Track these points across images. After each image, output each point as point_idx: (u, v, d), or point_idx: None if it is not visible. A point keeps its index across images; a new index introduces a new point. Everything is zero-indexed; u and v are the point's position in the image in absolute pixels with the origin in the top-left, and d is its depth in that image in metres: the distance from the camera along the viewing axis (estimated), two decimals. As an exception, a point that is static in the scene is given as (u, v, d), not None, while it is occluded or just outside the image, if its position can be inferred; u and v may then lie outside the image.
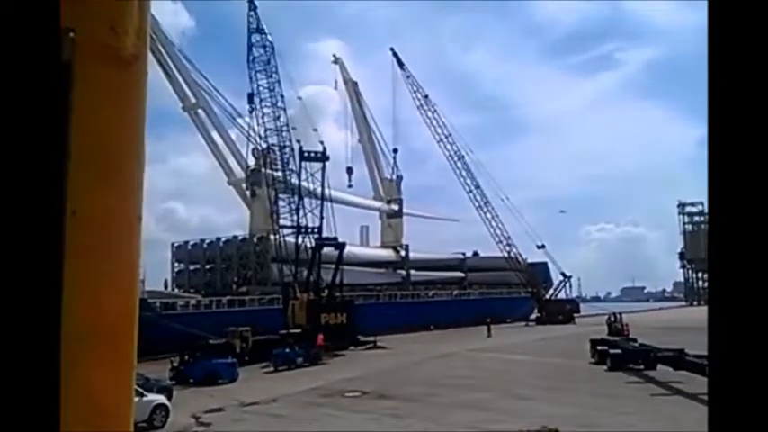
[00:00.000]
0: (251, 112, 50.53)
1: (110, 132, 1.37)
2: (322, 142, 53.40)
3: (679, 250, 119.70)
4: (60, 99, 1.28)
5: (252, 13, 49.45)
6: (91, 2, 1.34)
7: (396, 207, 77.62)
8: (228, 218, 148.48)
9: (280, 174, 51.19)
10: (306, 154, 50.18)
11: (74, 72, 1.30)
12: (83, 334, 1.30)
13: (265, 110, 49.83)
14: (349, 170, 68.87)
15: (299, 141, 51.50)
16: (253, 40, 49.51)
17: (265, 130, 50.31)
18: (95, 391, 1.33)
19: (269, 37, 49.96)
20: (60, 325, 1.26)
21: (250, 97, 49.96)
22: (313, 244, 48.47)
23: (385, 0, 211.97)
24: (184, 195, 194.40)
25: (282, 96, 50.33)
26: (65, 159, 1.28)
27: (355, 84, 77.18)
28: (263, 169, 51.85)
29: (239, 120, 57.95)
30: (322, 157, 50.62)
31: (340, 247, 48.42)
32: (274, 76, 49.79)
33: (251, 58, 49.46)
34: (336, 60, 77.20)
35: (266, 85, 49.62)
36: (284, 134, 50.66)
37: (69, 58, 1.29)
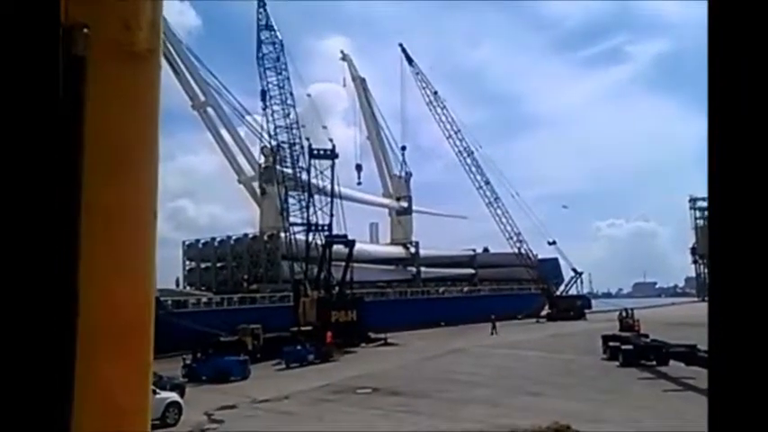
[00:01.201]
0: (264, 109, 50.52)
1: (124, 126, 1.37)
2: (331, 140, 53.49)
3: (691, 245, 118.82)
4: (75, 94, 1.28)
5: (261, 9, 49.47)
6: None
7: (405, 204, 77.53)
8: (238, 216, 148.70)
9: (290, 171, 51.26)
10: (315, 151, 50.22)
11: (88, 67, 1.30)
12: (98, 330, 1.30)
13: (275, 107, 49.90)
14: (358, 167, 68.66)
15: (308, 139, 51.59)
16: (262, 37, 49.42)
17: (275, 128, 50.36)
18: (112, 389, 1.32)
19: (278, 33, 50.01)
20: (76, 321, 1.25)
21: (263, 94, 49.73)
22: (323, 241, 48.54)
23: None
24: (193, 194, 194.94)
25: (292, 93, 50.39)
26: (79, 154, 1.28)
27: (363, 80, 77.09)
28: (278, 166, 51.79)
29: (248, 117, 58.25)
30: (331, 155, 50.63)
31: (350, 244, 48.46)
32: (284, 73, 49.81)
33: (260, 55, 49.41)
34: (344, 57, 77.15)
35: (276, 83, 49.61)
36: (294, 131, 50.72)
37: (83, 54, 1.29)
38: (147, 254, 1.42)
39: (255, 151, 59.45)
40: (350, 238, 49.69)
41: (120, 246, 1.36)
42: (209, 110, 59.13)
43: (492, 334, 49.30)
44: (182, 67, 56.89)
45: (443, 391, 24.21)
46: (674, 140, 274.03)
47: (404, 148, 76.87)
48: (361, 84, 76.72)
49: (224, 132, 60.82)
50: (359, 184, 68.35)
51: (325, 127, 58.71)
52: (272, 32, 49.76)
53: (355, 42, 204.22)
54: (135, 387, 1.38)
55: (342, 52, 78.23)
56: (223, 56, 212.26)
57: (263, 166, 57.41)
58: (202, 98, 58.47)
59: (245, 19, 52.31)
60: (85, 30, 1.30)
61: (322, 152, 50.46)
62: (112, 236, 1.34)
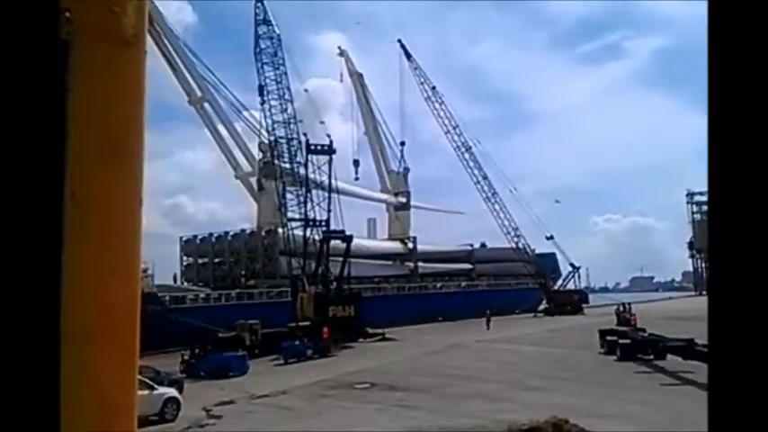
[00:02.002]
0: (262, 104, 50.39)
1: (110, 112, 1.34)
2: (329, 135, 53.48)
3: (688, 240, 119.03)
4: (59, 79, 1.26)
5: (259, 4, 49.33)
6: None
7: (403, 199, 77.55)
8: (236, 212, 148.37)
9: (287, 166, 51.20)
10: (313, 147, 50.16)
11: (72, 52, 1.27)
12: (83, 323, 1.27)
13: (273, 102, 49.77)
14: (356, 163, 68.65)
15: (305, 134, 51.52)
16: (260, 32, 49.27)
17: (272, 123, 50.26)
18: (98, 384, 1.29)
19: (276, 28, 49.86)
20: (60, 313, 1.23)
21: (261, 89, 49.57)
22: (321, 237, 48.52)
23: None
24: (192, 190, 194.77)
25: (289, 89, 50.27)
26: (65, 140, 1.26)
27: (361, 76, 77.04)
28: (276, 161, 51.75)
29: (245, 113, 58.17)
30: (329, 150, 50.60)
31: (347, 239, 48.45)
32: (281, 68, 49.68)
33: (258, 50, 49.29)
34: (342, 53, 77.09)
35: (273, 78, 49.49)
36: (291, 127, 50.62)
37: (67, 39, 1.27)
38: (134, 242, 1.38)
39: (253, 147, 59.51)
40: (348, 233, 49.70)
41: (105, 233, 1.33)
42: (206, 105, 58.99)
43: (487, 329, 49.36)
44: (178, 62, 56.74)
45: (442, 386, 24.25)
46: (671, 135, 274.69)
47: (402, 144, 77.03)
48: (358, 79, 76.66)
49: (221, 128, 60.75)
50: (356, 179, 68.44)
51: (322, 122, 58.90)
52: (270, 27, 49.65)
53: (353, 39, 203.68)
54: (122, 381, 1.36)
55: (339, 48, 78.28)
56: (221, 52, 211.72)
57: (261, 161, 57.34)
58: (199, 94, 58.32)
59: (244, 16, 51.97)
60: (68, 14, 1.27)
61: (319, 147, 50.39)
62: (97, 223, 1.31)
